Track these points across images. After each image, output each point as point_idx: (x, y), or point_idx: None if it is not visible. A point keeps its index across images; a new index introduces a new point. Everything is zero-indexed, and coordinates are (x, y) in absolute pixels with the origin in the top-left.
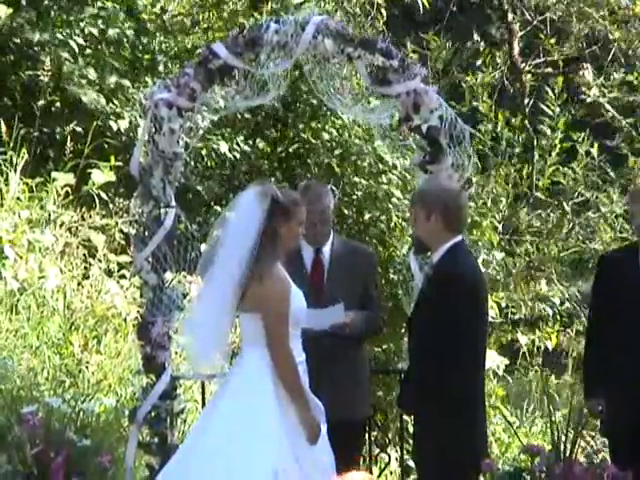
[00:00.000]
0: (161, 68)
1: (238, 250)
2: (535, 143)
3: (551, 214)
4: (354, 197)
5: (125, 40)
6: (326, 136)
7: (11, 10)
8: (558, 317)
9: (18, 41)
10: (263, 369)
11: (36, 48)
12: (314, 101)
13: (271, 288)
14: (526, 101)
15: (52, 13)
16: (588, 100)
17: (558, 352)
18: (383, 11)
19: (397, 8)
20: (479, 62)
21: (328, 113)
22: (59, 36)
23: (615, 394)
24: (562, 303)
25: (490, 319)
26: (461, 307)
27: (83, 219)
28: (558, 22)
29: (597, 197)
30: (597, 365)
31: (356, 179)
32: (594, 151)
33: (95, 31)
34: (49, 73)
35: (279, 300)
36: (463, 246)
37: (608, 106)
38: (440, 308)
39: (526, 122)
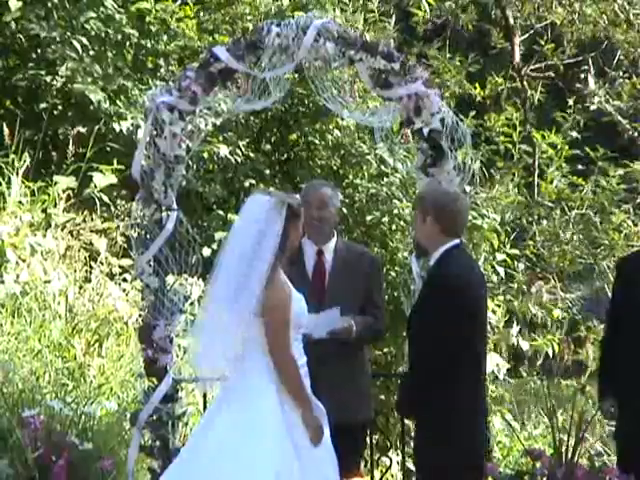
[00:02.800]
0: (163, 70)
1: (263, 257)
2: (537, 149)
3: (555, 220)
4: (356, 199)
5: (128, 43)
6: (329, 137)
7: (21, 3)
8: (559, 324)
9: (24, 40)
10: (265, 372)
11: (39, 50)
12: (317, 103)
13: (274, 295)
14: (527, 105)
15: (55, 13)
16: (592, 108)
17: (559, 357)
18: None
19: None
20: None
21: (331, 115)
22: (65, 34)
23: (629, 396)
24: (565, 310)
25: (491, 322)
26: (455, 310)
27: (85, 222)
28: (560, 26)
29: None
30: (612, 367)
31: (358, 181)
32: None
33: (98, 32)
34: (62, 78)
35: (281, 307)
36: (460, 249)
37: (611, 108)
38: (434, 311)
39: (528, 127)
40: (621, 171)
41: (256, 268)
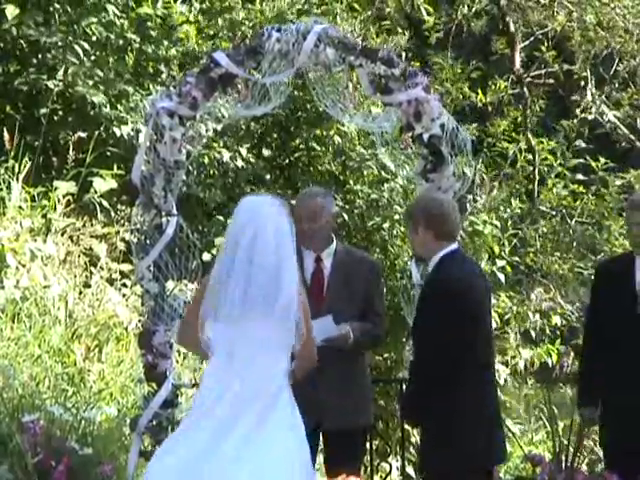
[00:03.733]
0: (164, 76)
1: (289, 256)
2: (537, 156)
3: (555, 227)
4: (356, 205)
5: (129, 48)
6: (329, 143)
7: (18, 10)
8: (558, 332)
9: (25, 45)
10: (284, 376)
11: (40, 55)
12: (318, 108)
13: (302, 293)
14: (528, 112)
15: (56, 16)
16: (590, 117)
17: (559, 366)
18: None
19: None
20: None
21: (331, 120)
22: (66, 39)
23: (610, 402)
24: (564, 318)
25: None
26: (457, 314)
27: (85, 227)
28: (560, 33)
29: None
30: (593, 373)
31: (358, 187)
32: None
33: (99, 36)
34: (61, 82)
35: (306, 305)
36: (458, 254)
37: (612, 118)
38: (436, 316)
39: (528, 134)
40: (619, 182)
41: (287, 270)
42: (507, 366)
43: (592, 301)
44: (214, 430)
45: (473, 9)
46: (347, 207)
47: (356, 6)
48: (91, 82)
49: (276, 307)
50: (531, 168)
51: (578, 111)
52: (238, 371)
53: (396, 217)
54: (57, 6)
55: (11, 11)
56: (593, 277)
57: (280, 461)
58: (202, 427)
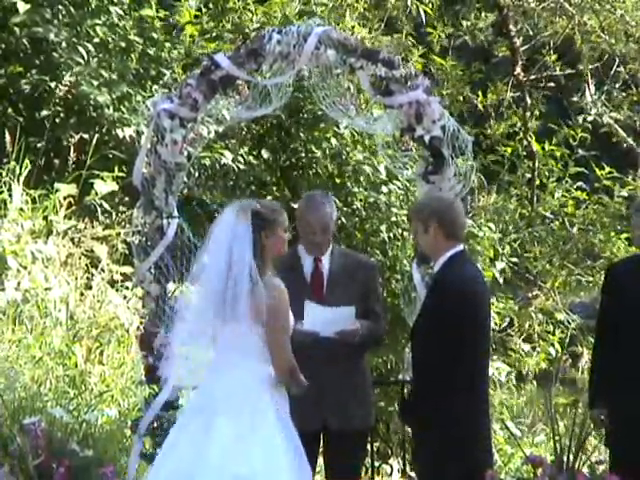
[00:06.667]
0: (166, 78)
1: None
2: (537, 159)
3: (555, 232)
4: (354, 207)
5: (131, 49)
6: (326, 145)
7: (29, 6)
8: (559, 335)
9: (29, 45)
10: (258, 381)
11: (43, 56)
12: (317, 110)
13: (276, 299)
14: (528, 114)
15: (60, 17)
16: (589, 119)
17: (558, 363)
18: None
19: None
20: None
21: (329, 122)
22: (71, 39)
23: (621, 407)
24: (562, 323)
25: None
26: (460, 316)
27: (86, 229)
28: (561, 36)
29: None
30: (603, 375)
31: (356, 189)
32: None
33: (103, 37)
34: (65, 87)
35: (285, 310)
36: (463, 255)
37: (610, 120)
38: (439, 317)
39: (529, 136)
40: (625, 193)
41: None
42: (511, 367)
43: (602, 303)
44: (197, 435)
45: (478, 24)
46: (345, 209)
47: (363, 9)
48: (96, 83)
49: (240, 311)
50: (531, 172)
51: (577, 113)
52: (219, 375)
53: (393, 219)
54: (60, 7)
55: (22, 6)
56: (603, 279)
57: (272, 463)
58: (186, 433)
